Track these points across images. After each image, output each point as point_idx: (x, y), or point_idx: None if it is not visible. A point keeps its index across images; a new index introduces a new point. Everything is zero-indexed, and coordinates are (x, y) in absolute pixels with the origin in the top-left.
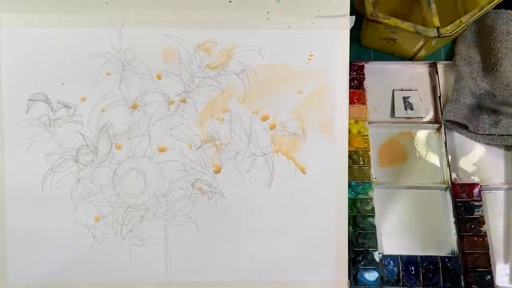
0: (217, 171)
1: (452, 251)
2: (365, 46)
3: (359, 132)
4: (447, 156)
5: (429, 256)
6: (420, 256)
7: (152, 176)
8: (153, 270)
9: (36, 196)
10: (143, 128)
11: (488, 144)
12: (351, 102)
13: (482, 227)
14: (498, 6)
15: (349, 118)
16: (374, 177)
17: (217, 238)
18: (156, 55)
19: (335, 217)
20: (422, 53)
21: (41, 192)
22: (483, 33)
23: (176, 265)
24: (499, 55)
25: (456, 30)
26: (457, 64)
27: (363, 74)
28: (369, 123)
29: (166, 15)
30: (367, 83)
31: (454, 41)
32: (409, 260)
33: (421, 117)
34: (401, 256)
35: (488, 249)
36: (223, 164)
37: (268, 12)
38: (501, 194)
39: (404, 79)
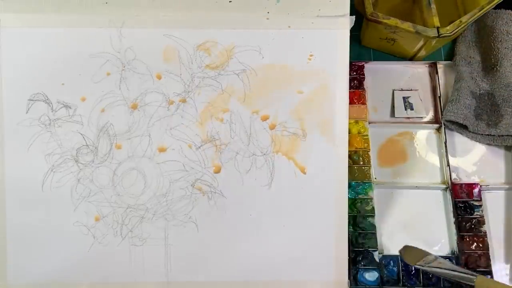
0: (217, 171)
1: (452, 251)
2: (365, 46)
3: (359, 132)
4: (447, 156)
5: None
6: None
7: (152, 176)
8: (153, 270)
9: (36, 196)
10: (143, 128)
11: (488, 144)
12: (351, 102)
13: (482, 227)
14: (498, 6)
15: (349, 118)
16: (374, 177)
17: (217, 238)
18: (156, 55)
19: (335, 217)
20: (422, 53)
21: (41, 192)
22: (483, 33)
23: (176, 265)
24: (499, 55)
25: (456, 30)
26: (457, 64)
27: (363, 74)
28: (369, 123)
29: (166, 15)
30: (367, 83)
31: (454, 41)
32: None
33: (421, 117)
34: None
35: (488, 249)
36: (223, 164)
37: (268, 12)
38: (501, 194)
39: (404, 79)
